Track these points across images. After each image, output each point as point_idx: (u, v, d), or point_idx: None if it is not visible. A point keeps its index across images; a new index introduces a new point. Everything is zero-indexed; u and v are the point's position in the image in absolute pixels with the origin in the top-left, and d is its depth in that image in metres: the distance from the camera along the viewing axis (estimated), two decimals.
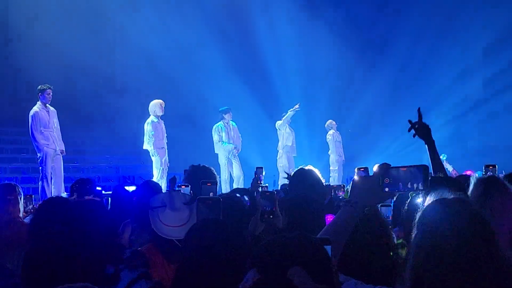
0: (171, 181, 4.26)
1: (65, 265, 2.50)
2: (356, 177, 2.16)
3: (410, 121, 3.44)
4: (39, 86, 9.11)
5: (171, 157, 10.47)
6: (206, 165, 4.44)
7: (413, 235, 1.82)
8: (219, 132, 10.99)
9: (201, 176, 4.06)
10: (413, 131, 3.44)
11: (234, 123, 11.31)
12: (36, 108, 9.03)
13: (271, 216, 3.14)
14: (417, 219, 1.84)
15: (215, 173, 4.42)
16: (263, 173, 4.64)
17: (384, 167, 2.03)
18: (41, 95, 9.04)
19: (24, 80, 12.68)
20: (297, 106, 11.99)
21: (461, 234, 1.72)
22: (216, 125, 11.19)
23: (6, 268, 3.00)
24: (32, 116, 8.97)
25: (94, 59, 13.36)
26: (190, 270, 2.07)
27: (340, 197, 5.45)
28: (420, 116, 3.42)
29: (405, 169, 1.97)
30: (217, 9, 14.96)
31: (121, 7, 14.03)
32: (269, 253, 1.49)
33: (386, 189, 2.00)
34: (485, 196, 2.78)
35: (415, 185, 1.95)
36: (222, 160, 11.03)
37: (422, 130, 3.44)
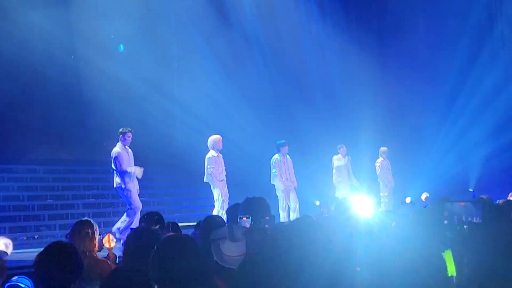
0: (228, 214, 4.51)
1: None
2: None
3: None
4: (121, 129, 9.51)
5: (232, 188, 10.80)
6: (261, 196, 4.64)
7: (466, 255, 1.93)
8: (276, 165, 11.31)
9: (256, 207, 4.28)
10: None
11: (289, 157, 11.61)
12: (118, 148, 9.44)
13: None
14: (467, 243, 1.97)
15: (268, 203, 4.61)
16: (330, 206, 4.77)
17: (443, 201, 2.20)
18: (122, 137, 9.45)
19: (93, 123, 13.50)
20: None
21: (504, 252, 1.82)
22: (274, 157, 11.48)
23: None
24: (116, 157, 9.36)
25: (158, 98, 14.13)
26: None
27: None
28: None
29: (463, 203, 2.14)
30: (270, 48, 15.46)
31: None
32: None
33: (445, 222, 2.15)
34: None
35: (473, 218, 2.09)
36: (279, 191, 11.34)
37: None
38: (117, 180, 9.45)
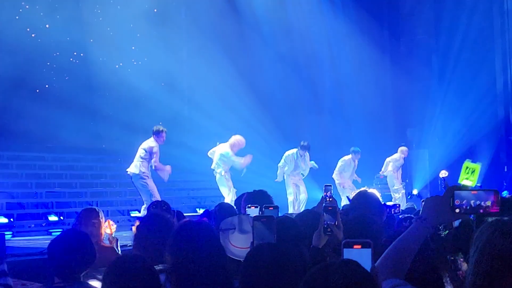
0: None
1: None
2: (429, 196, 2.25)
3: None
4: (156, 127, 9.79)
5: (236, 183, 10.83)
6: (261, 189, 4.64)
7: (471, 253, 1.85)
8: (290, 161, 11.32)
9: (260, 199, 4.28)
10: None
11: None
12: (154, 144, 9.71)
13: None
14: (474, 238, 1.86)
15: (270, 195, 4.60)
16: (331, 191, 4.79)
17: (455, 189, 2.08)
18: (156, 136, 9.73)
19: (102, 111, 13.50)
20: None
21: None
22: (291, 152, 11.47)
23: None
24: (156, 152, 9.68)
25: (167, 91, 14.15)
26: None
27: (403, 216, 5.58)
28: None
29: (475, 192, 2.04)
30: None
31: None
32: (317, 282, 1.56)
33: (457, 210, 2.06)
34: None
35: (485, 208, 2.01)
36: (289, 183, 11.36)
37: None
38: (141, 168, 9.60)
